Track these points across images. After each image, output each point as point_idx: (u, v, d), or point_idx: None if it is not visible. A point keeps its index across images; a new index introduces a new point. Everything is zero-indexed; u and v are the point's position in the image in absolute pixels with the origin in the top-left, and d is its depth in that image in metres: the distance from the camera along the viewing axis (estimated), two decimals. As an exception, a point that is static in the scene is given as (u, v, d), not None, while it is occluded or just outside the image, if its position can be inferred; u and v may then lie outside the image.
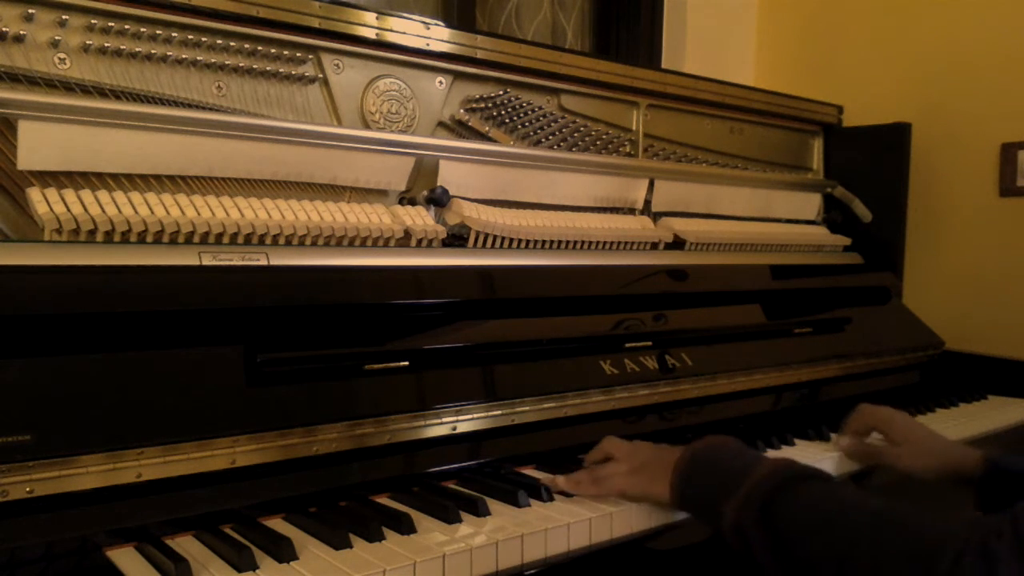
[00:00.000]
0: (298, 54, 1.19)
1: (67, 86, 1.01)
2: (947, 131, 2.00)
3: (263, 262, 1.02)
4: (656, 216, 1.59)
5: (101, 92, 1.03)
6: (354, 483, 0.96)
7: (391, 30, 1.25)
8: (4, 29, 0.96)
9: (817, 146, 2.01)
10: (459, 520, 0.88)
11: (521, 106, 1.46)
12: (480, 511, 0.90)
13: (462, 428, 1.06)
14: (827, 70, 2.26)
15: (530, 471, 1.07)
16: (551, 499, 0.96)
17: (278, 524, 0.87)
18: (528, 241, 1.33)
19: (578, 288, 1.32)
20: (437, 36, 1.30)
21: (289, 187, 1.17)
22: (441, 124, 1.37)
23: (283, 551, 0.77)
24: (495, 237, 1.29)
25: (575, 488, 0.97)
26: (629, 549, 0.94)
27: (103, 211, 0.97)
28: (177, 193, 1.05)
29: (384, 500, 0.95)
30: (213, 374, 0.92)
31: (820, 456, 1.17)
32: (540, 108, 1.49)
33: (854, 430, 1.23)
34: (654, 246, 1.51)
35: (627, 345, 1.28)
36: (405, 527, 0.84)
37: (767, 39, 2.41)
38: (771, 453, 1.19)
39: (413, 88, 1.31)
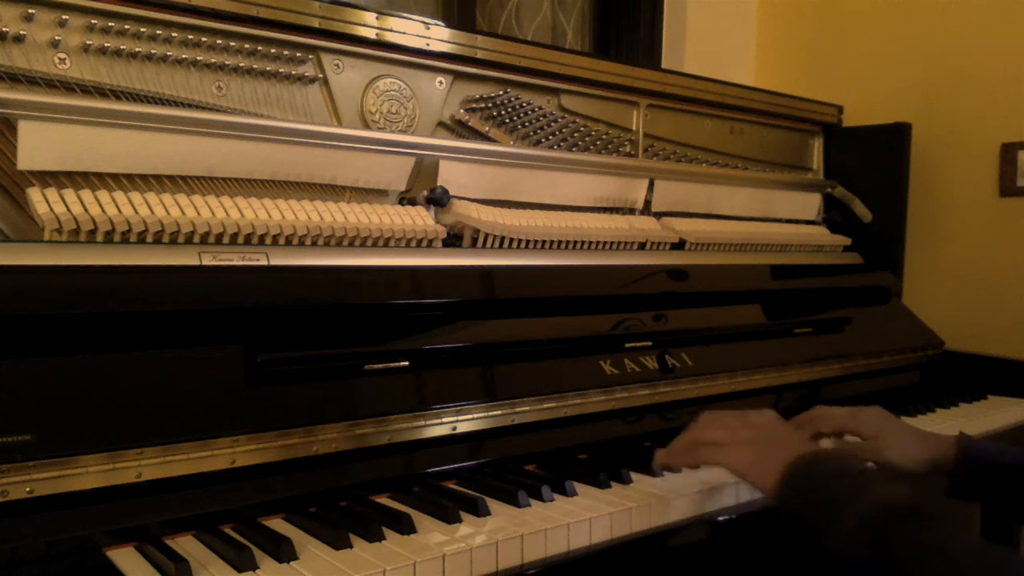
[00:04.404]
0: (298, 54, 1.19)
1: (67, 86, 1.01)
2: (947, 131, 2.00)
3: (263, 262, 1.02)
4: (656, 216, 1.59)
5: (101, 92, 1.03)
6: (354, 483, 0.96)
7: (391, 30, 1.25)
8: (4, 29, 0.96)
9: (817, 146, 2.01)
10: (459, 520, 0.88)
11: (521, 106, 1.46)
12: (480, 511, 0.90)
13: (462, 428, 1.06)
14: (827, 70, 2.26)
15: (531, 471, 1.07)
16: (551, 499, 0.96)
17: (278, 524, 0.87)
18: (528, 241, 1.33)
19: (578, 288, 1.32)
20: (437, 36, 1.30)
21: (289, 187, 1.17)
22: (441, 124, 1.37)
23: (283, 551, 0.77)
24: (495, 237, 1.29)
25: (666, 458, 0.98)
26: (629, 549, 0.94)
27: (103, 211, 0.97)
28: (177, 193, 1.05)
29: (384, 500, 0.95)
30: (213, 374, 0.92)
31: None
32: (540, 108, 1.49)
33: (822, 433, 1.18)
34: (654, 246, 1.51)
35: (627, 345, 1.28)
36: (405, 527, 0.84)
37: (767, 39, 2.41)
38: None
39: (413, 88, 1.31)
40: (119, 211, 0.98)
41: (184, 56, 1.09)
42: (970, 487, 1.08)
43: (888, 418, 1.17)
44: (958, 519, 0.98)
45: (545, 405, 1.13)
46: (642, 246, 1.50)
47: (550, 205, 1.44)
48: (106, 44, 1.03)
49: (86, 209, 0.96)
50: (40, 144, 0.95)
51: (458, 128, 1.39)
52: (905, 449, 1.12)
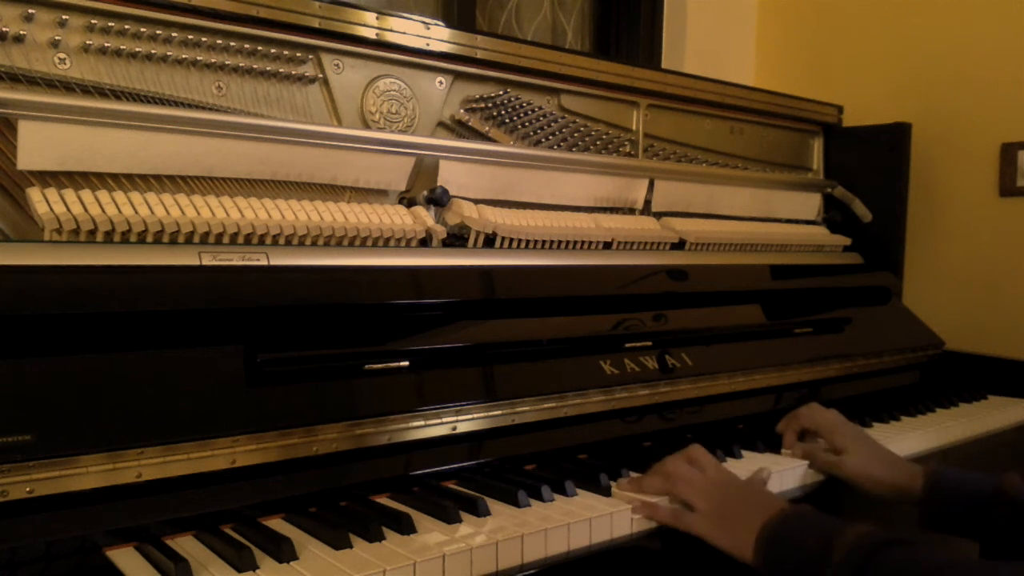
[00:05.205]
0: (298, 54, 1.19)
1: (67, 86, 1.01)
2: (947, 131, 2.00)
3: (263, 262, 1.02)
4: (656, 216, 1.59)
5: (101, 92, 1.03)
6: (354, 483, 0.96)
7: (391, 30, 1.25)
8: (4, 29, 0.96)
9: (817, 146, 2.01)
10: (459, 520, 0.88)
11: (521, 106, 1.46)
12: (480, 511, 0.90)
13: (462, 428, 1.06)
14: (827, 70, 2.26)
15: (531, 471, 1.07)
16: (551, 499, 0.96)
17: (278, 524, 0.87)
18: (528, 241, 1.33)
19: (578, 288, 1.31)
20: (437, 36, 1.30)
21: (289, 187, 1.17)
22: (441, 124, 1.37)
23: (283, 551, 0.77)
24: (495, 237, 1.29)
25: (650, 514, 0.95)
26: (629, 549, 0.94)
27: (103, 211, 0.97)
28: (177, 193, 1.05)
29: (384, 500, 0.95)
30: (213, 374, 0.92)
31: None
32: (540, 108, 1.49)
33: (793, 430, 1.21)
34: (654, 246, 1.51)
35: (627, 345, 1.28)
36: (405, 527, 0.84)
37: (767, 39, 2.41)
38: (772, 454, 1.19)
39: (413, 88, 1.31)
40: (119, 211, 0.98)
41: (184, 56, 1.09)
42: (943, 518, 1.08)
43: (863, 438, 1.19)
44: (934, 543, 0.98)
45: (545, 405, 1.13)
46: (642, 246, 1.50)
47: (550, 205, 1.44)
48: (106, 44, 1.03)
49: (86, 209, 0.96)
50: (40, 144, 0.95)
51: (458, 128, 1.39)
52: (867, 468, 1.13)
